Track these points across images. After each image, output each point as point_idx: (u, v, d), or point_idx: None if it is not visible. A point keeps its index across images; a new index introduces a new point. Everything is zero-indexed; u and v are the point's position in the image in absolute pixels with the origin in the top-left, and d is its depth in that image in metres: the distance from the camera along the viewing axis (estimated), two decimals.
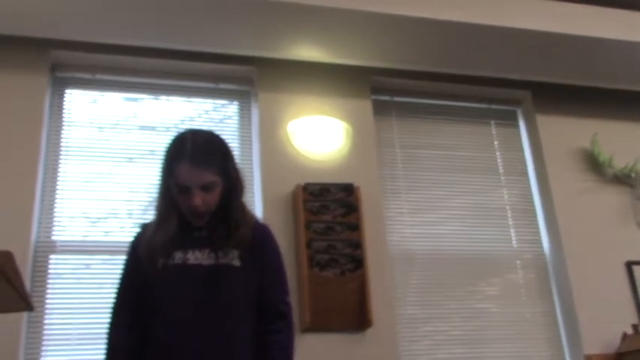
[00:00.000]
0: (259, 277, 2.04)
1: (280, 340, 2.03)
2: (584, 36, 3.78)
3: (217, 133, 2.11)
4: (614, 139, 4.27)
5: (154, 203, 2.07)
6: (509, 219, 4.08)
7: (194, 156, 1.94)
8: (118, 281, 2.07)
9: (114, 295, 2.05)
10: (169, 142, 2.04)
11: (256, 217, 2.17)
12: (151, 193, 2.12)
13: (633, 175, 4.20)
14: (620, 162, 4.19)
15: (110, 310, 2.03)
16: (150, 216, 2.10)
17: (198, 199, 1.95)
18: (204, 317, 1.92)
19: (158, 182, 2.05)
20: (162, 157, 2.03)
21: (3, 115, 3.36)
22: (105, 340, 1.99)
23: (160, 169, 2.04)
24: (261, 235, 2.09)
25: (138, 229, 2.14)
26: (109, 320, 2.02)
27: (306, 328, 3.31)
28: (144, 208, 2.17)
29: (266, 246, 2.11)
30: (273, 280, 2.09)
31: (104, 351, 1.98)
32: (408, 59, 3.92)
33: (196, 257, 1.98)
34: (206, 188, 1.96)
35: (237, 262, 1.99)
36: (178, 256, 1.97)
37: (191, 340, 1.90)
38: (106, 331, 2.00)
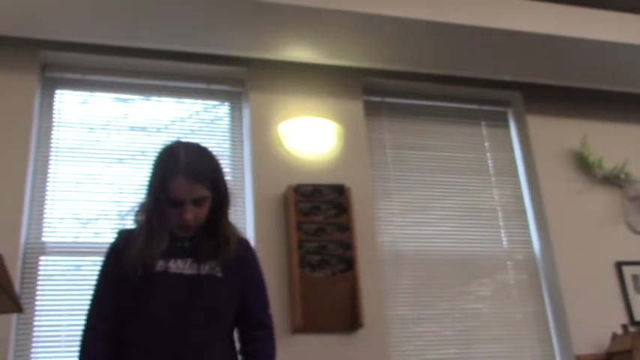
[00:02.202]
0: (240, 289, 2.06)
1: (261, 350, 2.04)
2: (575, 37, 3.80)
3: (206, 145, 2.10)
4: (603, 140, 4.29)
5: (141, 212, 2.06)
6: (500, 219, 4.09)
7: (189, 170, 1.94)
8: (94, 286, 2.04)
9: (90, 301, 2.02)
10: (160, 154, 2.03)
11: (239, 231, 2.17)
12: (141, 194, 2.09)
13: (622, 176, 4.22)
14: (610, 163, 4.21)
15: (86, 316, 2.00)
16: (130, 221, 2.09)
17: (190, 214, 1.96)
18: (183, 325, 1.92)
19: (147, 193, 2.03)
20: (153, 169, 2.02)
21: None
22: (79, 347, 1.95)
23: (150, 181, 2.02)
24: (243, 248, 2.11)
25: (116, 235, 2.12)
26: (84, 326, 1.98)
27: (297, 329, 3.31)
28: (130, 210, 2.14)
29: (248, 259, 2.13)
30: (254, 292, 2.11)
31: (78, 358, 1.94)
32: (399, 60, 3.93)
33: (178, 266, 1.97)
34: (198, 202, 1.96)
35: (219, 274, 2.00)
36: (160, 264, 1.96)
37: (170, 347, 1.89)
38: (81, 337, 1.97)
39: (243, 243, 2.14)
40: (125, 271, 1.95)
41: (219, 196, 2.03)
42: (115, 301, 1.97)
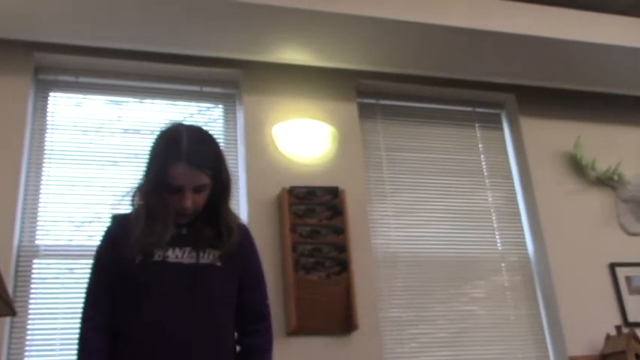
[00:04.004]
0: (239, 279, 2.01)
1: (261, 343, 2.00)
2: (568, 40, 3.81)
3: (207, 129, 2.06)
4: (597, 141, 4.30)
5: (138, 195, 2.00)
6: (494, 221, 4.09)
7: (191, 157, 1.89)
8: (89, 276, 1.97)
9: (85, 292, 1.95)
10: (161, 137, 1.98)
11: (238, 217, 2.13)
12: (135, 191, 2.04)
13: (616, 177, 4.23)
14: (603, 164, 4.22)
15: (82, 309, 1.93)
16: (126, 205, 2.02)
17: (189, 201, 1.91)
18: (182, 317, 1.87)
19: (146, 176, 1.97)
20: (153, 152, 1.97)
21: None
22: (77, 341, 1.90)
23: (150, 164, 1.96)
24: (242, 235, 2.06)
25: (110, 221, 2.05)
26: (80, 319, 1.92)
27: (291, 331, 3.30)
28: (126, 193, 2.05)
29: (247, 248, 2.08)
30: (254, 282, 2.07)
31: (77, 354, 1.88)
32: (394, 62, 3.93)
33: (176, 255, 1.92)
34: (197, 189, 1.92)
35: (218, 263, 1.95)
36: (158, 254, 1.91)
37: (170, 341, 1.84)
38: (79, 331, 1.91)
39: (242, 229, 2.09)
40: (123, 259, 1.89)
41: (221, 183, 1.99)
42: (112, 293, 1.91)
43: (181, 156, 1.88)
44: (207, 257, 1.95)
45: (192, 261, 1.93)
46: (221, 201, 2.01)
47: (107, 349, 1.87)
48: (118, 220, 2.03)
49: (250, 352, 1.98)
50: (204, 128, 2.06)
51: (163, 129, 2.00)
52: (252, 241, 2.13)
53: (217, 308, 1.94)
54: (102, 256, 1.99)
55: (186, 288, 1.89)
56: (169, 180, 1.90)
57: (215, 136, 2.10)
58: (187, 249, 1.94)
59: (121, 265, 1.89)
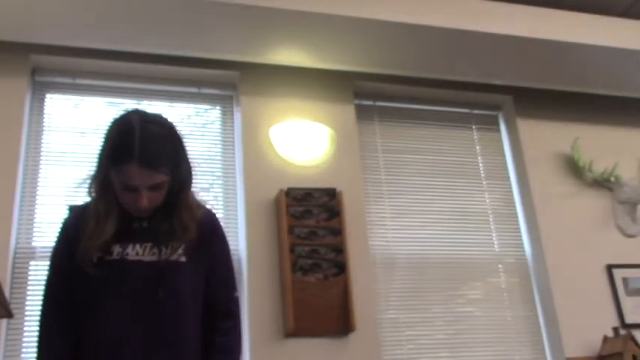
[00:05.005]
0: (206, 272, 1.90)
1: (225, 342, 1.88)
2: (566, 42, 3.81)
3: (167, 119, 1.87)
4: (594, 143, 4.31)
5: (93, 185, 1.87)
6: (491, 223, 4.09)
7: (143, 157, 1.72)
8: (47, 274, 1.86)
9: (44, 291, 1.85)
10: (113, 129, 1.81)
11: (203, 207, 1.98)
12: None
13: (613, 179, 4.24)
14: (600, 166, 4.23)
15: (41, 309, 1.84)
16: (84, 194, 1.90)
17: (145, 200, 1.77)
18: (147, 319, 1.76)
19: (97, 167, 1.83)
20: (105, 144, 1.81)
21: None
22: (37, 346, 1.81)
23: (101, 156, 1.81)
24: (208, 226, 1.94)
25: (67, 212, 1.94)
26: (40, 320, 1.82)
27: (289, 333, 3.30)
28: (82, 182, 1.90)
29: (214, 239, 1.96)
30: (221, 275, 1.94)
31: (37, 357, 1.80)
32: (391, 64, 3.93)
33: (137, 252, 1.80)
34: (154, 188, 1.78)
35: (183, 258, 1.83)
36: (116, 251, 1.79)
37: (134, 343, 1.74)
38: (38, 333, 1.81)
39: (208, 220, 1.96)
40: (78, 258, 1.78)
41: (179, 178, 1.84)
42: (72, 292, 1.80)
43: (133, 155, 1.72)
44: (171, 253, 1.82)
45: (154, 258, 1.80)
46: (178, 196, 1.86)
47: (69, 351, 1.78)
48: (75, 212, 1.91)
49: (215, 352, 1.86)
50: (163, 117, 1.87)
51: (117, 118, 1.83)
52: (220, 231, 1.99)
53: (183, 306, 1.82)
54: (59, 254, 1.88)
55: (151, 289, 1.78)
56: (123, 178, 1.76)
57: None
58: (148, 245, 1.82)
59: (77, 265, 1.79)
